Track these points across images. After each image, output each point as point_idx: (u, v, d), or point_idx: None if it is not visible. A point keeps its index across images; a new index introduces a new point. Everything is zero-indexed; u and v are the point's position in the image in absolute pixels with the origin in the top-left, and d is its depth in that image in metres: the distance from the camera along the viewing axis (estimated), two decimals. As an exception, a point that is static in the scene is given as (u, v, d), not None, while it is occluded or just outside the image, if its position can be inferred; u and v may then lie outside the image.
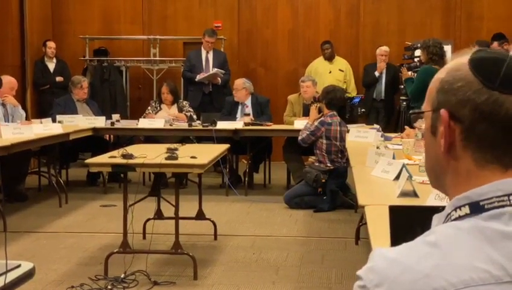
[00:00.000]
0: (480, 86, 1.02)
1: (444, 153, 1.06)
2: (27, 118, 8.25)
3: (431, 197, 2.77)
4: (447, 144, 1.05)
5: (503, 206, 0.98)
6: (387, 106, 9.84)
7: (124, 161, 4.71)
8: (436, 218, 1.07)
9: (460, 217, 1.00)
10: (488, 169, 1.02)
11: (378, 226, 2.48)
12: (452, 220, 1.01)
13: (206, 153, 5.28)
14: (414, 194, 3.23)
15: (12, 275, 2.25)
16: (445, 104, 1.05)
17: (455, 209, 1.01)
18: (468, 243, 0.95)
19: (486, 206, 0.99)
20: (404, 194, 3.26)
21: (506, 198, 0.98)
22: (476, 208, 0.99)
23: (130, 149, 5.10)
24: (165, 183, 6.91)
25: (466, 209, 1.00)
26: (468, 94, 1.02)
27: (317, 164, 7.17)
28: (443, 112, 1.04)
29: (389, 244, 1.94)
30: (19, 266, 2.34)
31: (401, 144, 5.28)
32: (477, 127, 1.02)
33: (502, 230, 0.96)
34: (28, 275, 2.34)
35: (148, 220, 5.63)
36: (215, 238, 5.79)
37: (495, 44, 8.93)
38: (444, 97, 1.05)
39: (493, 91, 1.01)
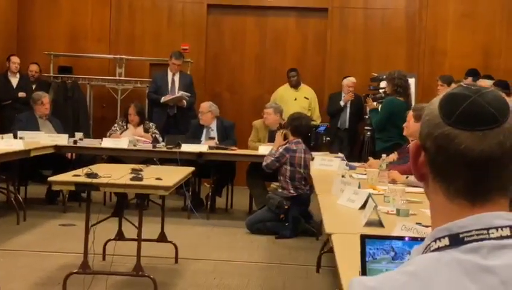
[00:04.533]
0: (440, 120, 1.05)
1: (423, 184, 1.10)
2: (-12, 133, 8.10)
3: (397, 228, 2.79)
4: (417, 173, 1.09)
5: (482, 239, 0.99)
6: (351, 135, 9.91)
7: (88, 180, 4.66)
8: (415, 250, 1.08)
9: (439, 249, 1.01)
10: (455, 203, 1.04)
11: (346, 254, 2.49)
12: (431, 251, 1.02)
13: (171, 175, 5.25)
14: (380, 224, 3.25)
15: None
16: (419, 136, 1.10)
17: (435, 241, 1.03)
18: (446, 275, 0.96)
19: (465, 239, 1.00)
20: (369, 223, 3.28)
21: (485, 231, 1.00)
22: (456, 240, 1.00)
23: (94, 168, 5.04)
24: (126, 204, 6.83)
25: (445, 241, 1.01)
26: (430, 127, 1.06)
27: (280, 190, 7.17)
28: (413, 142, 1.08)
29: (358, 273, 1.95)
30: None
31: (365, 174, 5.32)
32: (436, 159, 1.05)
33: (480, 264, 0.97)
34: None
35: (108, 240, 5.56)
36: (176, 261, 5.74)
37: (469, 79, 8.96)
38: (420, 130, 1.10)
39: (448, 126, 1.04)
